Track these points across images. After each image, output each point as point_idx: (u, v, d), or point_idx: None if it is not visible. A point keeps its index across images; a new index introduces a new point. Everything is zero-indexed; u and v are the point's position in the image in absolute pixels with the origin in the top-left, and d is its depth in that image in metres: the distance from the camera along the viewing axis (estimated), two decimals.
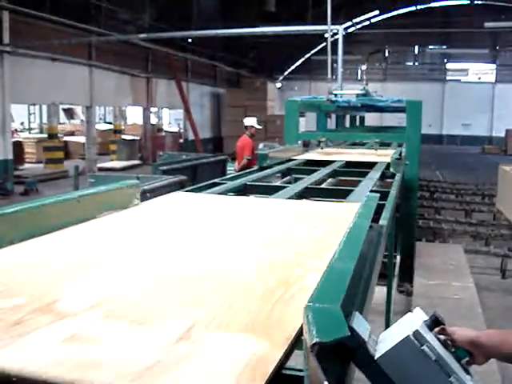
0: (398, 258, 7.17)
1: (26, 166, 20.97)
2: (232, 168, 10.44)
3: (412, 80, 39.39)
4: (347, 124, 13.98)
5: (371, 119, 17.49)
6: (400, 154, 6.37)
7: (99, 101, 21.44)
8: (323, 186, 4.64)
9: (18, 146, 19.60)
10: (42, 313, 1.31)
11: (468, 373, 1.25)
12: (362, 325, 1.21)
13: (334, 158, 6.32)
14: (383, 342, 1.24)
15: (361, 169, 5.45)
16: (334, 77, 11.22)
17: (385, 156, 6.39)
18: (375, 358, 1.19)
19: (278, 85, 35.81)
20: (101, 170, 20.08)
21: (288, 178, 5.22)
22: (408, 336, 1.21)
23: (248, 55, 31.84)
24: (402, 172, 5.36)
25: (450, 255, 8.52)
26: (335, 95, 8.24)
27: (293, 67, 40.02)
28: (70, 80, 18.70)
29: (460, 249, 8.90)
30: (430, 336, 1.23)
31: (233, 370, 1.03)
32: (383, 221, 2.71)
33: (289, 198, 3.46)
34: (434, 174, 19.61)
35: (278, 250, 1.98)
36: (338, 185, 4.98)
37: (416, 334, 1.22)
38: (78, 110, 30.00)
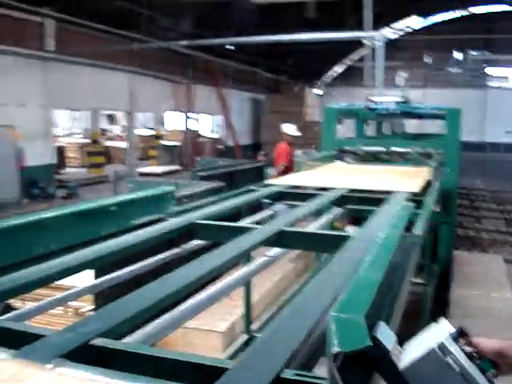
0: (436, 267, 7.08)
1: (68, 170, 21.38)
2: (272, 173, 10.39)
3: (453, 86, 38.85)
4: (387, 130, 13.85)
5: (412, 124, 17.36)
6: (439, 162, 6.31)
7: (140, 107, 21.73)
8: None
9: (59, 151, 19.97)
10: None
11: None
12: (386, 335, 1.21)
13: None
14: (408, 353, 1.24)
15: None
16: (375, 83, 11.15)
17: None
18: (399, 368, 1.19)
19: (320, 91, 35.64)
20: (141, 174, 20.31)
21: None
22: (433, 348, 1.21)
23: (287, 61, 31.84)
24: (441, 180, 5.32)
25: (489, 265, 8.38)
26: (374, 102, 8.18)
27: (334, 73, 39.88)
28: (110, 86, 19.03)
29: (500, 259, 8.75)
30: (454, 348, 1.23)
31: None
32: (417, 230, 2.69)
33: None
34: (475, 183, 19.29)
35: (398, 175, 4.92)
36: None
37: (441, 345, 1.22)
38: (120, 115, 30.45)
